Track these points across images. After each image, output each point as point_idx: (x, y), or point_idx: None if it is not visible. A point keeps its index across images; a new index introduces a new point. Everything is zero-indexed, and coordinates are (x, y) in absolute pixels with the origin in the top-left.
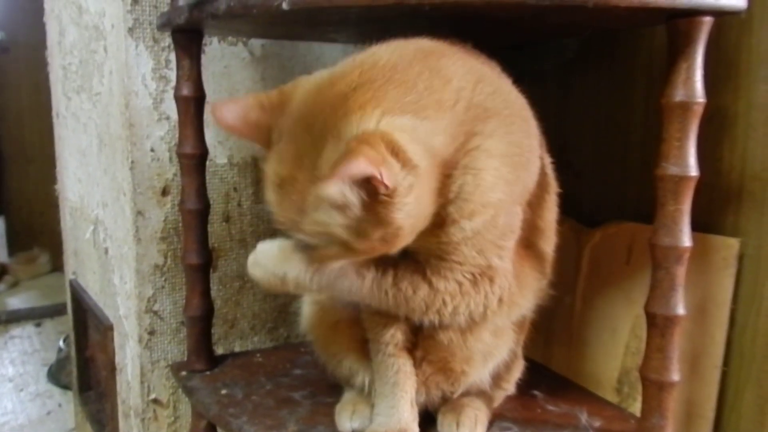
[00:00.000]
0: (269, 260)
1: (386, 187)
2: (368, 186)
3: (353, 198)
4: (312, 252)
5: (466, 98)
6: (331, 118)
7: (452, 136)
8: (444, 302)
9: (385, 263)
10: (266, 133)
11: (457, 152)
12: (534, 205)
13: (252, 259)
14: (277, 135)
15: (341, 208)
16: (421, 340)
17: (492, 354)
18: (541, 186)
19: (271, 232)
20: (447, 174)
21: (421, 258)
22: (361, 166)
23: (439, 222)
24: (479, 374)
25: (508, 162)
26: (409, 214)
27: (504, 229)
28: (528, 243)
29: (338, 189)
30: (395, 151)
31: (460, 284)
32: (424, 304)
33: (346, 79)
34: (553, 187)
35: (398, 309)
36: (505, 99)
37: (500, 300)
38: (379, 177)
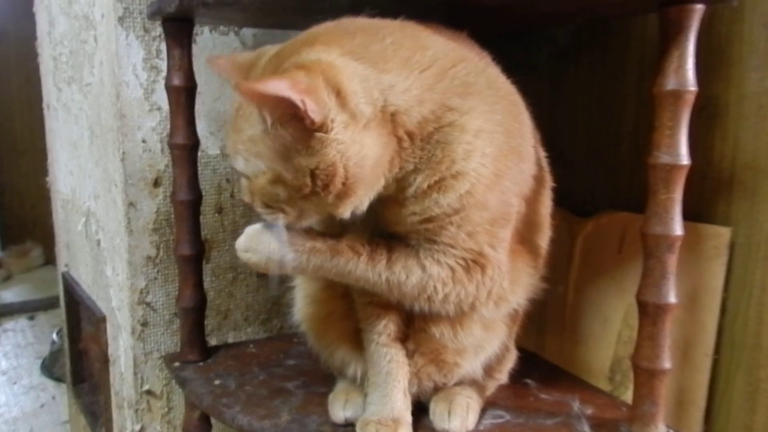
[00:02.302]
0: (260, 245)
1: (312, 121)
2: (296, 114)
3: (269, 116)
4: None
5: (441, 68)
6: (295, 50)
7: (418, 100)
8: (435, 289)
9: (379, 246)
10: (243, 75)
11: (427, 123)
12: (531, 199)
13: (243, 244)
14: (249, 77)
15: (264, 122)
16: (412, 333)
17: (483, 347)
18: (538, 179)
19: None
20: (418, 145)
21: (413, 242)
22: (280, 87)
23: (412, 195)
24: (471, 366)
25: (486, 137)
26: (348, 157)
27: (495, 215)
28: (522, 238)
29: (253, 99)
30: (336, 89)
31: (453, 270)
32: (417, 289)
33: (323, 26)
34: (548, 181)
35: (390, 293)
36: (489, 81)
37: (489, 293)
38: (300, 105)
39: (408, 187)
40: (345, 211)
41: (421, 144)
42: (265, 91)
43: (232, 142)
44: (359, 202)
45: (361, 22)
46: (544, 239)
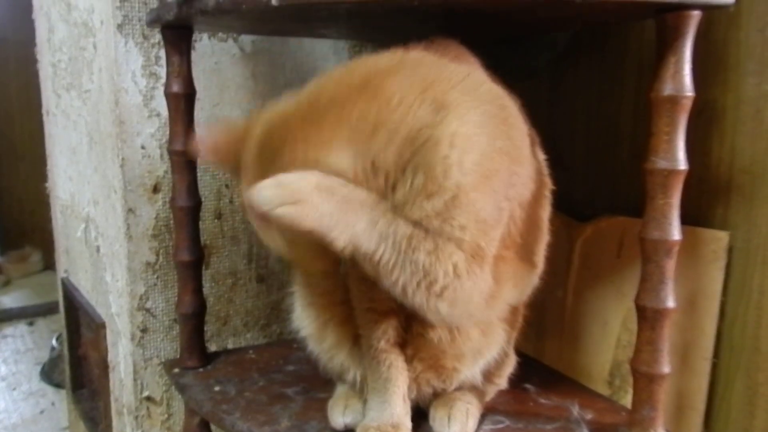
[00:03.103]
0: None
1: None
2: None
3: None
4: None
5: (407, 107)
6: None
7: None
8: (435, 279)
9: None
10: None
11: (401, 155)
12: (532, 203)
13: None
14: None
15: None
16: (411, 338)
17: (482, 352)
18: (536, 184)
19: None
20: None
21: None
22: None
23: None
24: (470, 371)
25: (463, 141)
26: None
27: (487, 212)
28: (519, 240)
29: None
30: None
31: (455, 266)
32: (422, 271)
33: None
34: (548, 185)
35: (392, 269)
36: (465, 89)
37: (481, 292)
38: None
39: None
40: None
41: (404, 173)
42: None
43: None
44: None
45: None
46: (540, 243)
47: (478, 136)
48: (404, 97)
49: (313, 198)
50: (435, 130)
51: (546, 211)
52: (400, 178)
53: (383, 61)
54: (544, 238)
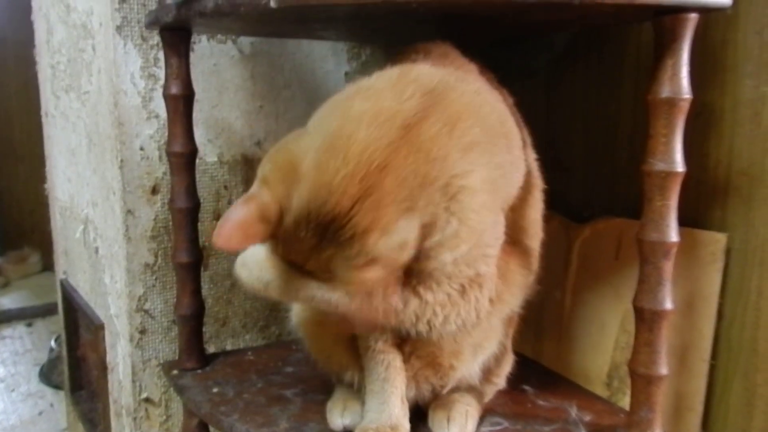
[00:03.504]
0: (256, 265)
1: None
2: None
3: None
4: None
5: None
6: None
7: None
8: (435, 313)
9: None
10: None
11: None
12: (517, 205)
13: (240, 260)
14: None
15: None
16: (409, 336)
17: (481, 347)
18: (526, 186)
19: None
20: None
21: (407, 272)
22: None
23: (418, 256)
24: (468, 368)
25: (490, 188)
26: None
27: (489, 241)
28: (513, 240)
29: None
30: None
31: (449, 295)
32: (415, 315)
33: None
34: (538, 186)
35: (388, 322)
36: (483, 125)
37: (490, 300)
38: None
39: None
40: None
41: (437, 221)
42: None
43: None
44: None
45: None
46: (535, 240)
47: (499, 178)
48: (440, 147)
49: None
50: (468, 180)
51: (538, 212)
52: (432, 229)
53: (409, 101)
54: (538, 237)
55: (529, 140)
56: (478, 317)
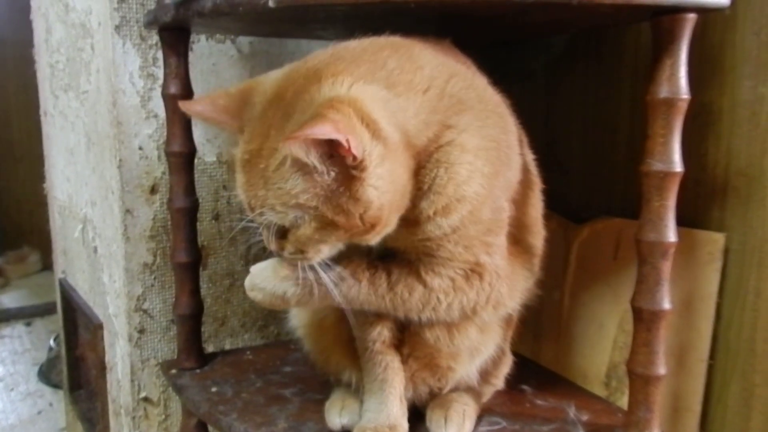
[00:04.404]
0: (267, 281)
1: (354, 157)
2: (335, 155)
3: (317, 163)
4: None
5: (439, 87)
6: (302, 87)
7: (425, 123)
8: (438, 300)
9: (378, 270)
10: (234, 117)
11: (430, 143)
12: (518, 202)
13: (249, 283)
14: (246, 119)
15: (307, 172)
16: (407, 337)
17: (479, 350)
18: (525, 183)
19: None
20: (420, 165)
21: (413, 257)
22: (325, 129)
23: (415, 219)
24: (466, 370)
25: (483, 156)
26: (384, 190)
27: (490, 225)
28: (515, 239)
29: (301, 150)
30: (365, 120)
31: (452, 280)
32: (420, 303)
33: (318, 58)
34: (537, 184)
35: (396, 311)
36: (479, 94)
37: (488, 297)
38: (345, 144)
39: (413, 210)
40: (377, 239)
41: (426, 165)
42: (313, 138)
43: (259, 198)
44: (390, 228)
45: (354, 48)
46: (537, 239)
47: (492, 150)
48: (434, 78)
49: (272, 287)
50: (460, 136)
51: (539, 210)
52: (425, 164)
53: (400, 38)
54: (541, 236)
55: (525, 140)
56: (476, 308)
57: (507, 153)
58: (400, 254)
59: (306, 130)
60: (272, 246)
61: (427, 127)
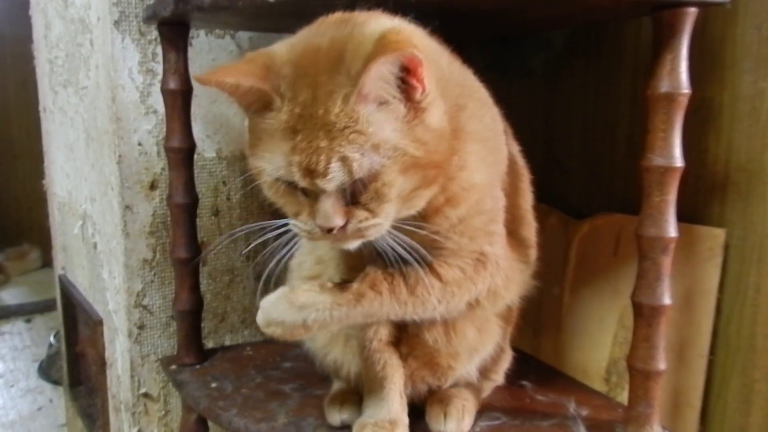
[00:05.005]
0: (285, 313)
1: (424, 86)
2: (404, 84)
3: (394, 91)
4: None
5: (445, 67)
6: (340, 34)
7: (447, 92)
8: (453, 293)
9: (394, 277)
10: (262, 80)
11: (450, 120)
12: (508, 192)
13: (264, 319)
14: (275, 82)
15: (382, 102)
16: (405, 338)
17: (477, 350)
18: (512, 174)
19: (261, 229)
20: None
21: (424, 253)
22: (406, 52)
23: (423, 211)
24: (466, 369)
25: (485, 144)
26: (444, 124)
27: (491, 215)
28: (509, 231)
29: (379, 77)
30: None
31: (463, 270)
32: (437, 300)
33: (334, 17)
34: (526, 175)
35: (416, 314)
36: (472, 83)
37: (488, 289)
38: (420, 71)
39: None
40: (433, 192)
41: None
42: (394, 60)
43: (324, 151)
44: (437, 187)
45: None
46: (530, 230)
47: (491, 140)
48: (441, 51)
49: (291, 317)
50: (468, 123)
51: (528, 201)
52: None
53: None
54: (533, 226)
55: (510, 131)
56: (479, 297)
57: (499, 140)
58: (412, 256)
59: (387, 53)
60: (334, 220)
61: (447, 99)
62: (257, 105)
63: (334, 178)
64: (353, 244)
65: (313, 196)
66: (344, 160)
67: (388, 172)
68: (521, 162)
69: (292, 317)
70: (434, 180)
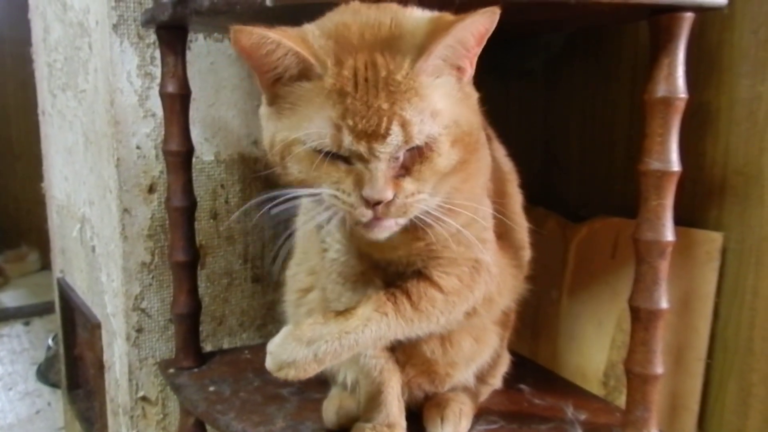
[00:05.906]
0: (294, 353)
1: (472, 62)
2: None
3: (458, 59)
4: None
5: None
6: (382, 14)
7: None
8: (453, 303)
9: (397, 296)
10: (302, 45)
11: None
12: (497, 196)
13: (275, 363)
14: (316, 50)
15: (445, 73)
16: (402, 348)
17: (474, 359)
18: (498, 179)
19: (259, 230)
20: None
21: (419, 264)
22: (485, 16)
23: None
24: (463, 375)
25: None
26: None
27: (484, 221)
28: (501, 234)
29: (448, 45)
30: None
31: (460, 279)
32: (440, 312)
33: (357, 4)
34: (513, 177)
35: (421, 329)
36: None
37: (483, 296)
38: (478, 47)
39: None
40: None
41: None
42: (469, 27)
43: (385, 113)
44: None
45: None
46: (521, 233)
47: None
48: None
49: (301, 356)
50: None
51: (518, 204)
52: None
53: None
54: (524, 227)
55: (493, 135)
56: (475, 305)
57: (484, 152)
58: (399, 268)
59: (466, 19)
60: (385, 191)
61: None
62: (291, 72)
63: (392, 141)
64: (387, 230)
65: (359, 164)
66: (405, 124)
67: (442, 141)
68: (507, 166)
69: (303, 354)
70: (464, 166)
